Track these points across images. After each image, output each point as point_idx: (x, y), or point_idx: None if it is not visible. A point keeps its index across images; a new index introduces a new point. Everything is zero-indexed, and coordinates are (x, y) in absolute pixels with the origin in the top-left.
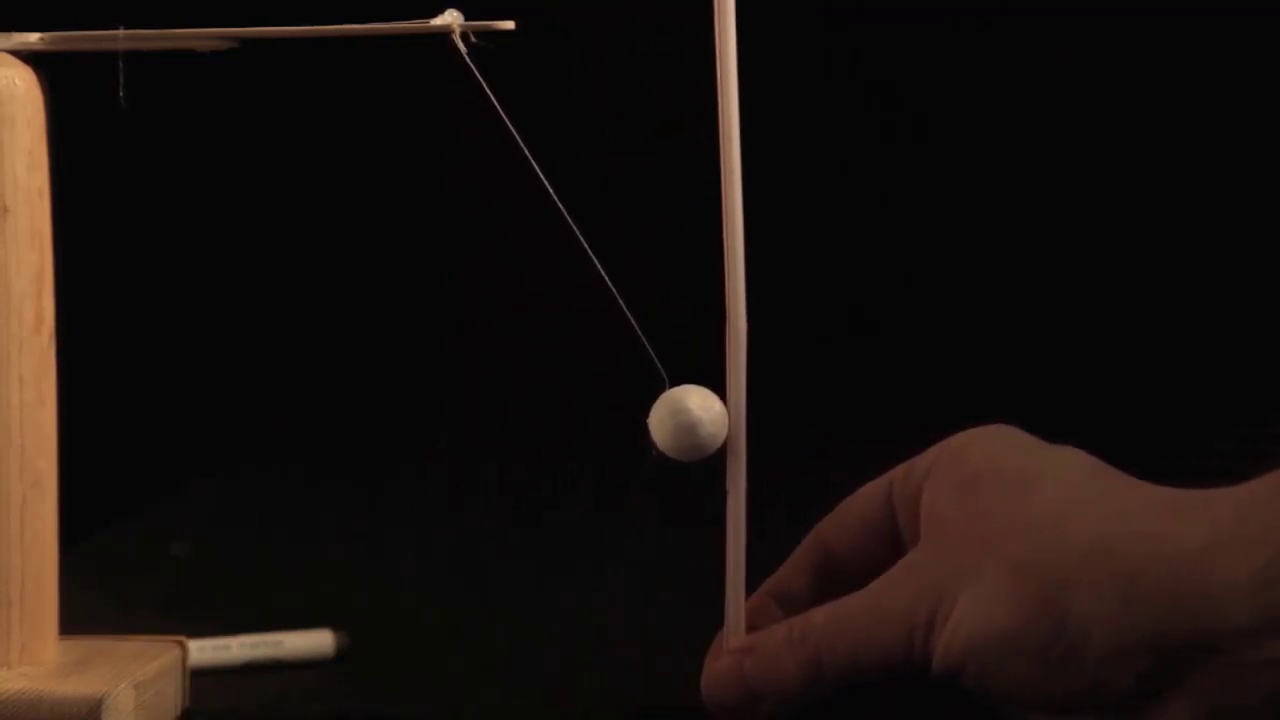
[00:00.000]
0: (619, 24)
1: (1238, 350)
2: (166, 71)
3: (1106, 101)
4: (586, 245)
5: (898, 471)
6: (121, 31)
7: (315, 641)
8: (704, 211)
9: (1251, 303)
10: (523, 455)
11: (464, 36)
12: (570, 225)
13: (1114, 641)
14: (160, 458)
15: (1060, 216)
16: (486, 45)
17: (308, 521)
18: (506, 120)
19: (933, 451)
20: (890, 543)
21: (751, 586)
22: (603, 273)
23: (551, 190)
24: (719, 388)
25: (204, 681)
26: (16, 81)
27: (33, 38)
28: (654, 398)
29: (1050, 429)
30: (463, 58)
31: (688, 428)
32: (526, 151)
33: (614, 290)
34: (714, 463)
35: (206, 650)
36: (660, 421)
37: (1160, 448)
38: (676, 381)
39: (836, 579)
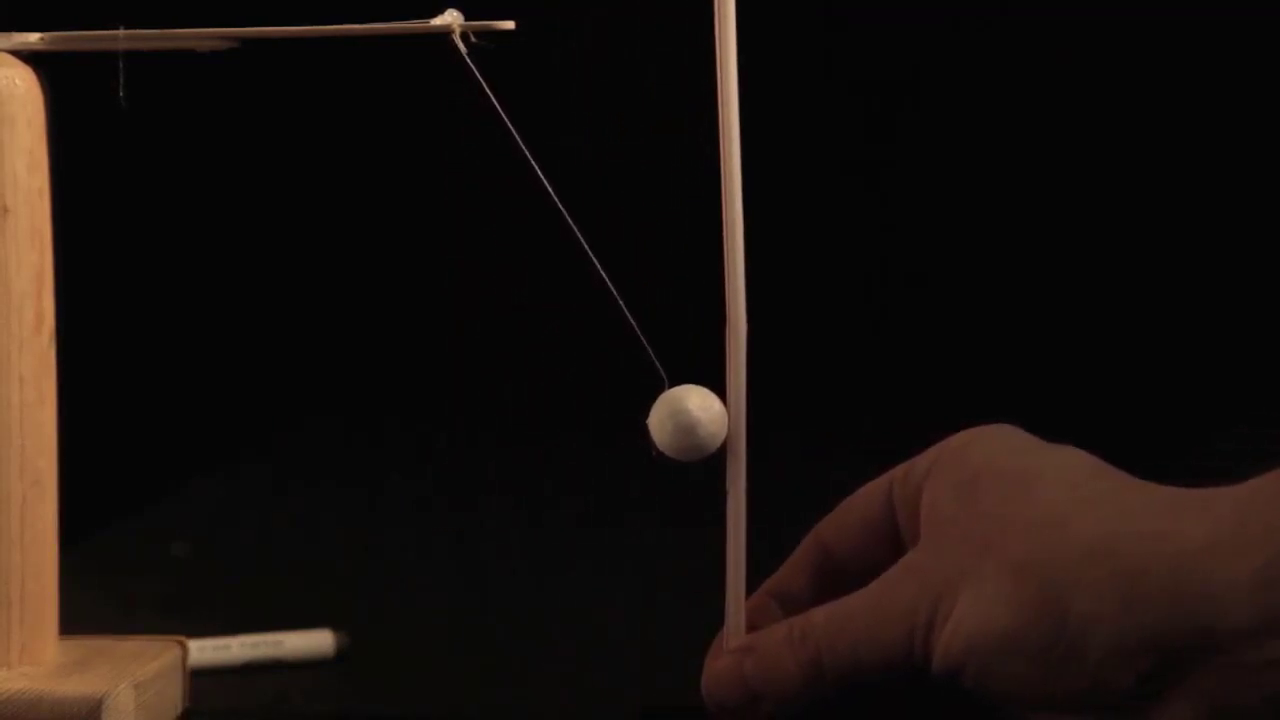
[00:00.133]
0: (619, 24)
1: (1238, 350)
2: (166, 71)
3: (1107, 101)
4: (586, 245)
5: (898, 471)
6: (121, 31)
7: (315, 641)
8: (704, 211)
9: (1252, 303)
10: (523, 455)
11: (464, 36)
12: (570, 225)
13: (1114, 641)
14: (160, 458)
15: (1061, 216)
16: (486, 45)
17: (308, 521)
18: (506, 120)
19: (933, 451)
20: (890, 542)
21: (751, 586)
22: (602, 273)
23: (551, 190)
24: (718, 388)
25: (204, 681)
26: (16, 81)
27: (33, 38)
28: (654, 398)
29: (1050, 429)
30: (463, 58)
31: (687, 428)
32: (527, 151)
33: (614, 290)
34: (714, 463)
35: (206, 650)
36: (660, 421)
37: (1161, 447)
38: (676, 381)
39: (837, 579)
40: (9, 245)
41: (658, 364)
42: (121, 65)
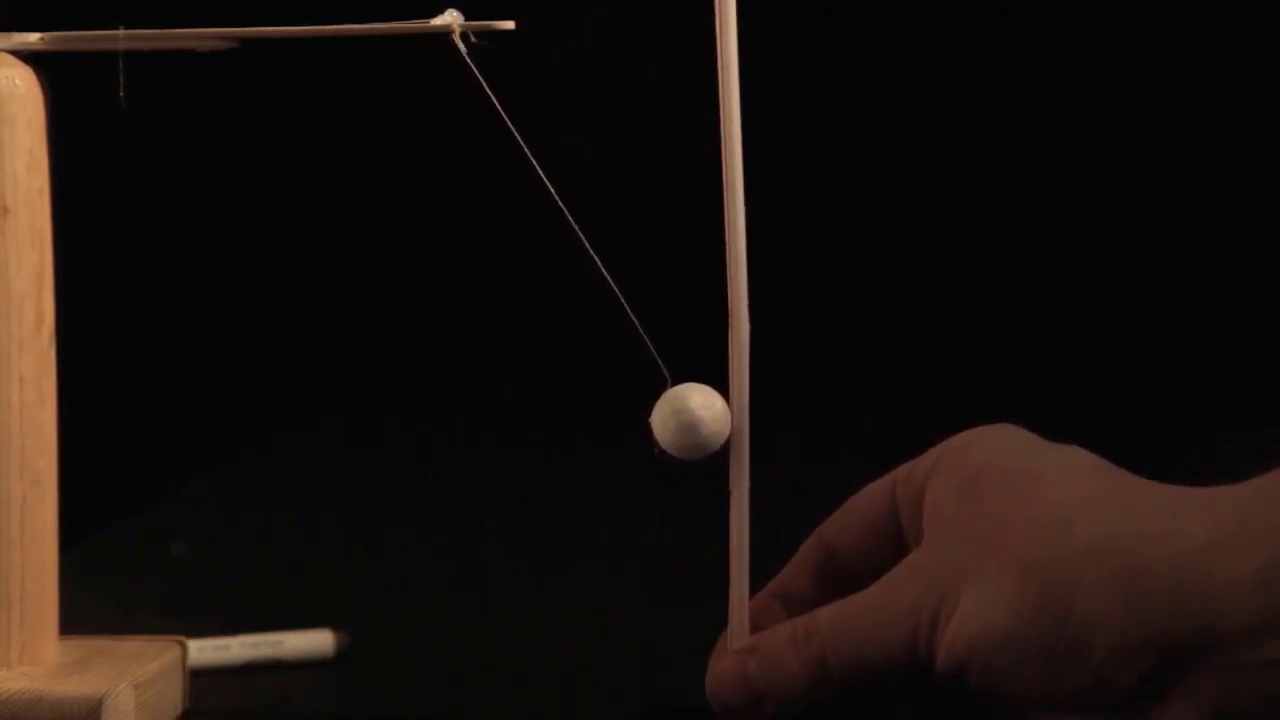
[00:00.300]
0: (619, 24)
1: (1240, 350)
2: (166, 71)
3: (1108, 101)
4: (588, 245)
5: (901, 471)
6: (121, 31)
7: (315, 641)
8: (706, 210)
9: (1253, 303)
10: (523, 455)
11: (464, 36)
12: (571, 225)
13: (1116, 640)
14: (160, 458)
15: (1063, 216)
16: (486, 45)
17: (308, 521)
18: (507, 120)
19: (936, 451)
20: (893, 542)
21: (755, 587)
22: (604, 272)
23: (553, 190)
24: (721, 387)
25: (204, 681)
26: (16, 81)
27: (33, 38)
28: (656, 397)
29: (1053, 428)
30: (463, 58)
31: (690, 426)
32: (527, 151)
33: (615, 289)
34: (715, 463)
35: (206, 650)
36: (662, 420)
37: (1163, 447)
38: (678, 380)
39: (840, 579)
40: (9, 245)
41: (660, 363)
42: (121, 65)
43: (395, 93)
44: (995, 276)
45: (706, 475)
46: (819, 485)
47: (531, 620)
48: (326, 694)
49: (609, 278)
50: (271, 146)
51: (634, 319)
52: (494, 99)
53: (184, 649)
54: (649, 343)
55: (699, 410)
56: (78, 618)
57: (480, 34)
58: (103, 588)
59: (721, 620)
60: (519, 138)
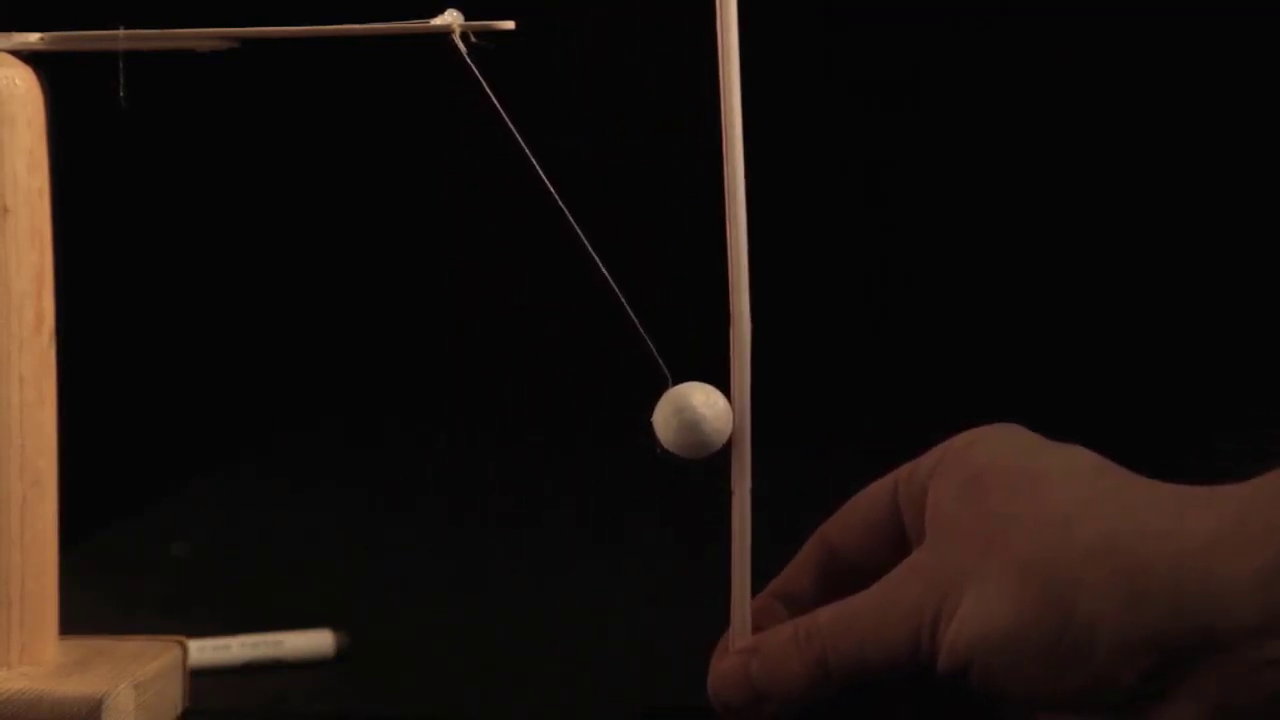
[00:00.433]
0: (619, 24)
1: (1241, 350)
2: (166, 71)
3: (1108, 101)
4: (588, 244)
5: (902, 471)
6: (121, 31)
7: (315, 641)
8: (707, 210)
9: (1254, 303)
10: (523, 455)
11: (464, 36)
12: (572, 224)
13: (1118, 639)
14: (160, 458)
15: (1064, 216)
16: (486, 45)
17: (308, 521)
18: (507, 120)
19: (937, 450)
20: (895, 542)
21: (757, 587)
22: (605, 272)
23: (553, 190)
24: (722, 386)
25: (204, 681)
26: (16, 81)
27: (33, 38)
28: (657, 396)
29: (1055, 428)
30: (463, 58)
31: (691, 425)
32: (527, 151)
33: (616, 289)
34: (716, 462)
35: (206, 650)
36: (664, 419)
37: (1163, 447)
38: (680, 379)
39: (842, 579)
40: (9, 245)
41: (661, 362)
42: (121, 65)
43: (395, 93)
44: (996, 276)
45: (707, 475)
46: (820, 485)
47: (531, 620)
48: (326, 694)
49: (609, 277)
50: (271, 146)
51: (635, 319)
52: (494, 99)
53: (184, 649)
54: (650, 342)
55: (701, 409)
56: (78, 618)
57: (480, 34)
58: (103, 588)
59: (723, 620)
60: (519, 138)
